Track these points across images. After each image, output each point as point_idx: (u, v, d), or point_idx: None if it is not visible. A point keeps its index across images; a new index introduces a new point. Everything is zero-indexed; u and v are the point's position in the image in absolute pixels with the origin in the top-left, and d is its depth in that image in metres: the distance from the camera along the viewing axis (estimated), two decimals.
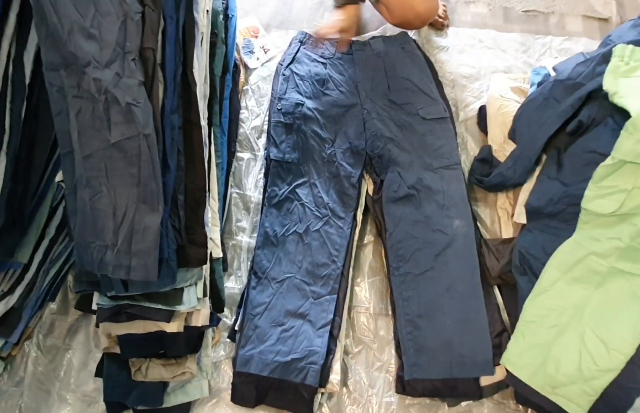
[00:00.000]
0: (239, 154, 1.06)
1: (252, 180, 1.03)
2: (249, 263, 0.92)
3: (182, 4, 0.70)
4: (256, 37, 1.24)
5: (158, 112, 0.64)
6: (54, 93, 0.62)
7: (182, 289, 0.69)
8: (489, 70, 1.16)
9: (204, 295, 0.74)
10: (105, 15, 0.61)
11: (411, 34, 1.19)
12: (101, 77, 0.60)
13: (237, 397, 0.79)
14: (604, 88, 0.73)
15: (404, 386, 0.78)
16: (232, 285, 0.92)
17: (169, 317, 0.69)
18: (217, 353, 0.86)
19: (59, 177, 0.69)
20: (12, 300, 0.81)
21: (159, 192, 0.62)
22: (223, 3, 0.95)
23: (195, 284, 0.71)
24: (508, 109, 0.99)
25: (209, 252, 0.74)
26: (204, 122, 0.76)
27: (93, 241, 0.63)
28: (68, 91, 0.61)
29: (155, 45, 0.64)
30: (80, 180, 0.62)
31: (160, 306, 0.69)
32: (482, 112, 1.07)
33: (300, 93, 1.02)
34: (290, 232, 0.89)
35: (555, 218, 0.78)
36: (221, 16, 0.92)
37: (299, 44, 1.10)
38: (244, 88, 1.15)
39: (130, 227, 0.61)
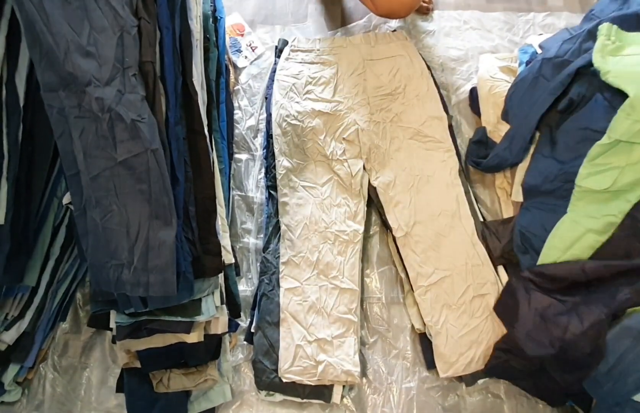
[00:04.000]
0: (236, 156, 1.06)
1: (252, 181, 1.03)
2: (258, 264, 0.92)
3: (177, 13, 0.69)
4: (242, 35, 1.23)
5: (163, 126, 0.64)
6: (54, 115, 0.61)
7: (200, 300, 0.70)
8: (476, 51, 1.18)
9: (222, 302, 0.74)
10: (100, 31, 0.60)
11: (396, 21, 1.20)
12: (103, 95, 0.59)
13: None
14: (595, 66, 0.75)
15: (433, 361, 0.82)
16: (244, 288, 0.93)
17: (188, 328, 0.70)
18: (236, 356, 0.87)
19: (66, 199, 0.68)
20: (24, 324, 0.80)
21: (171, 206, 0.62)
22: (211, 5, 0.93)
23: (213, 293, 0.71)
24: (499, 89, 1.01)
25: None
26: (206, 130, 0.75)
27: (108, 261, 0.62)
28: (69, 112, 0.60)
29: (153, 57, 0.64)
30: (89, 201, 0.62)
31: (179, 318, 0.69)
32: (473, 93, 1.09)
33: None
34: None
35: (552, 195, 0.81)
36: (211, 19, 0.91)
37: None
38: (235, 88, 1.14)
39: (146, 244, 0.61)
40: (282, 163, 0.96)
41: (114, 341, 0.84)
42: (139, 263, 0.61)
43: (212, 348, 0.77)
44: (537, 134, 0.88)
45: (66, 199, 0.67)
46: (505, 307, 0.78)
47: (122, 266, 0.62)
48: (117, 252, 0.62)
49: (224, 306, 0.76)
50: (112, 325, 0.71)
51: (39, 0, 0.56)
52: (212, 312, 0.71)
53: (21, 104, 0.67)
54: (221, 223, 0.77)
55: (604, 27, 0.78)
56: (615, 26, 0.77)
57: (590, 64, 0.77)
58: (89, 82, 0.59)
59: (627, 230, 0.69)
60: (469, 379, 0.82)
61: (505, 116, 0.94)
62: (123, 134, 0.60)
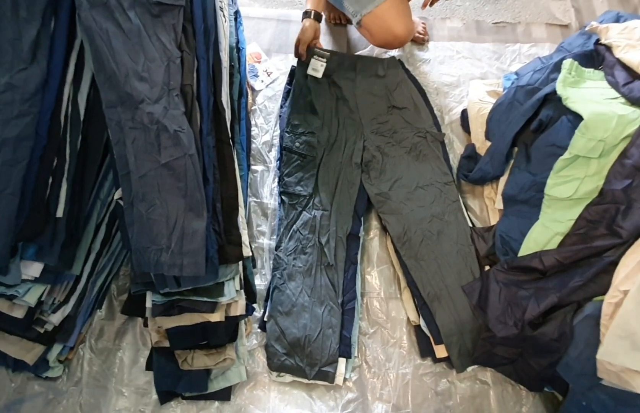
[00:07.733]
0: (253, 167, 1.19)
1: (267, 189, 1.17)
2: (271, 262, 1.04)
3: (210, 47, 0.84)
4: (259, 62, 1.39)
5: (198, 136, 0.77)
6: (113, 126, 0.75)
7: (222, 283, 0.81)
8: (467, 77, 1.32)
9: (240, 287, 0.86)
10: (152, 60, 0.75)
11: (395, 51, 1.35)
12: (153, 110, 0.73)
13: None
14: (557, 93, 0.88)
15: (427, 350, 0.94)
16: (258, 282, 1.04)
17: (213, 308, 0.81)
18: (251, 342, 0.98)
19: (117, 194, 0.81)
20: (68, 309, 0.91)
21: (203, 201, 0.75)
22: (235, 38, 1.09)
23: (233, 278, 0.83)
24: (486, 110, 1.14)
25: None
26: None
27: (149, 246, 0.75)
28: (124, 124, 0.74)
29: (192, 81, 0.78)
30: (136, 195, 0.75)
31: (205, 298, 0.81)
32: (464, 114, 1.22)
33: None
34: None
35: (527, 203, 0.93)
36: (235, 50, 1.06)
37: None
38: (252, 108, 1.29)
39: (181, 232, 0.74)
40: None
41: (145, 324, 0.96)
42: (176, 248, 0.73)
43: (231, 330, 0.88)
44: (515, 150, 1.00)
45: (117, 195, 0.80)
46: (478, 295, 0.89)
47: (161, 250, 0.74)
48: (158, 238, 0.74)
49: (242, 291, 0.87)
50: (148, 304, 0.82)
51: (107, 37, 0.71)
52: (233, 295, 0.82)
53: (81, 118, 0.82)
54: (241, 221, 0.89)
55: (567, 63, 0.91)
56: (576, 63, 0.91)
57: (555, 91, 0.90)
58: (142, 100, 0.73)
59: (579, 229, 0.81)
60: (460, 366, 0.92)
61: (487, 135, 1.07)
62: (167, 141, 0.73)
